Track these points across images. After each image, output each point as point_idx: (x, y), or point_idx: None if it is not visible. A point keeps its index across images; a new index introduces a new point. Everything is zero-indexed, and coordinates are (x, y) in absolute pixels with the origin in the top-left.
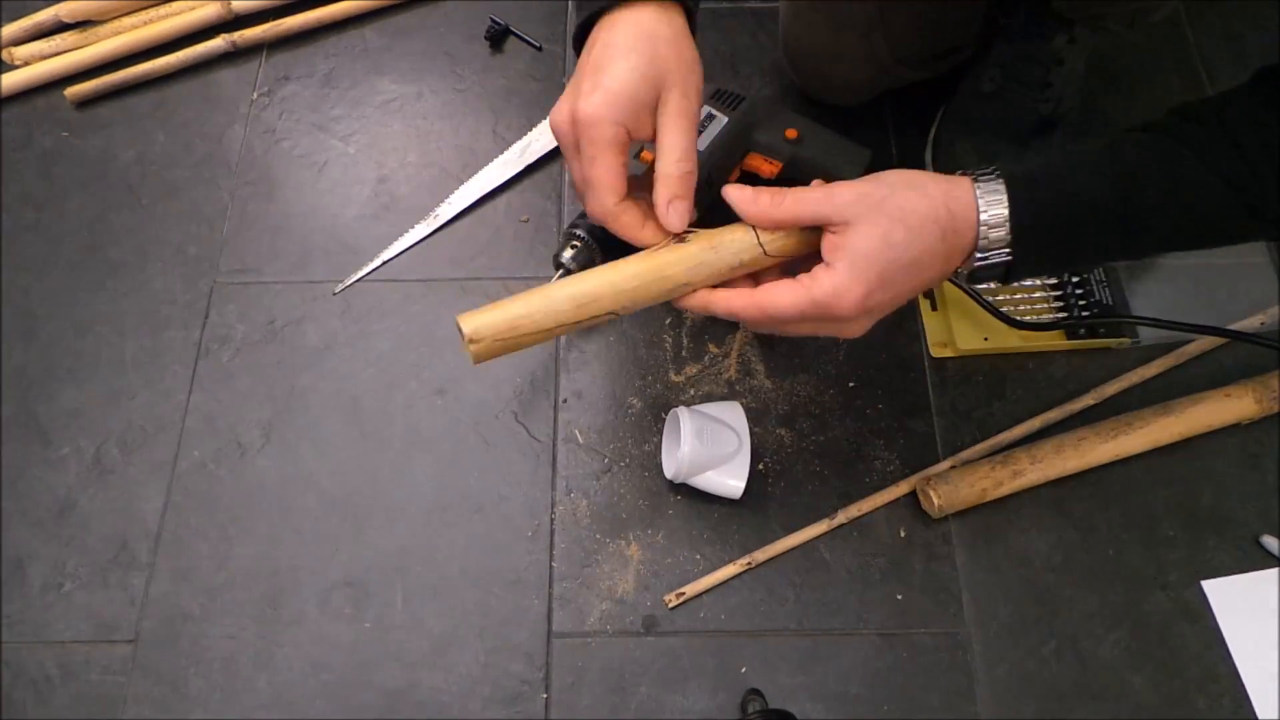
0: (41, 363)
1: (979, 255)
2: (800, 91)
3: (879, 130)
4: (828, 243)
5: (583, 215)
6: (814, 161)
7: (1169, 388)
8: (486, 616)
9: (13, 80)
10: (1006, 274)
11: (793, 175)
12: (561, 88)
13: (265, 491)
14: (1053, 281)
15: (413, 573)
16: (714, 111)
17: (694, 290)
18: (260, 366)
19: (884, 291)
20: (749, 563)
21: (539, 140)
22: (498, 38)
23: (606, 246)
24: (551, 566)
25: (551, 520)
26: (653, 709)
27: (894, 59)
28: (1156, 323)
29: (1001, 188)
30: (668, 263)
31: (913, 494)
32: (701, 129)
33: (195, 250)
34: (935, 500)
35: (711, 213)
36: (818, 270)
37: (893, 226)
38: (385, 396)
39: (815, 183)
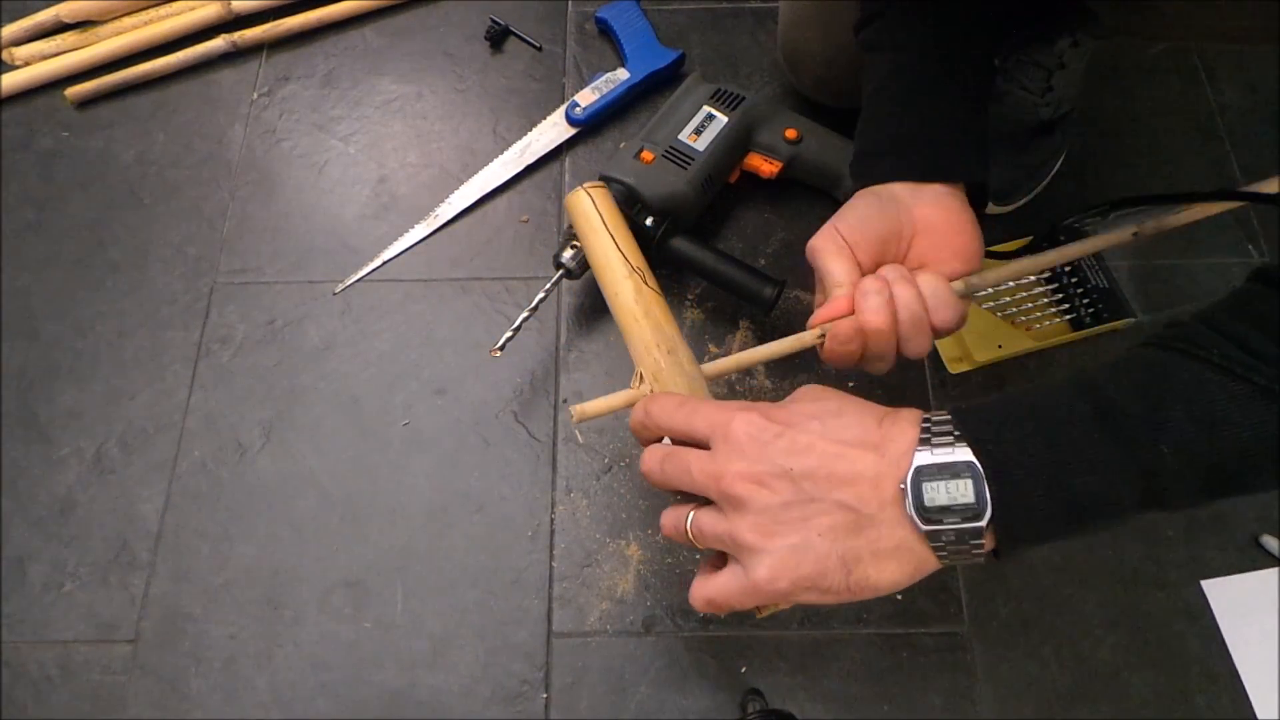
0: (41, 363)
1: (920, 446)
2: (800, 92)
3: None
4: None
5: None
6: (814, 161)
7: None
8: (486, 616)
9: (13, 80)
10: (983, 510)
11: (793, 175)
12: (561, 88)
13: (265, 491)
14: (1052, 281)
15: (413, 573)
16: (714, 111)
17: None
18: (260, 366)
19: (780, 420)
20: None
21: (539, 140)
22: (498, 38)
23: (631, 220)
24: (551, 566)
25: (551, 520)
26: (653, 709)
27: None
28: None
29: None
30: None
31: None
32: (701, 129)
33: (195, 250)
34: None
35: (711, 213)
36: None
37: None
38: (385, 396)
39: None
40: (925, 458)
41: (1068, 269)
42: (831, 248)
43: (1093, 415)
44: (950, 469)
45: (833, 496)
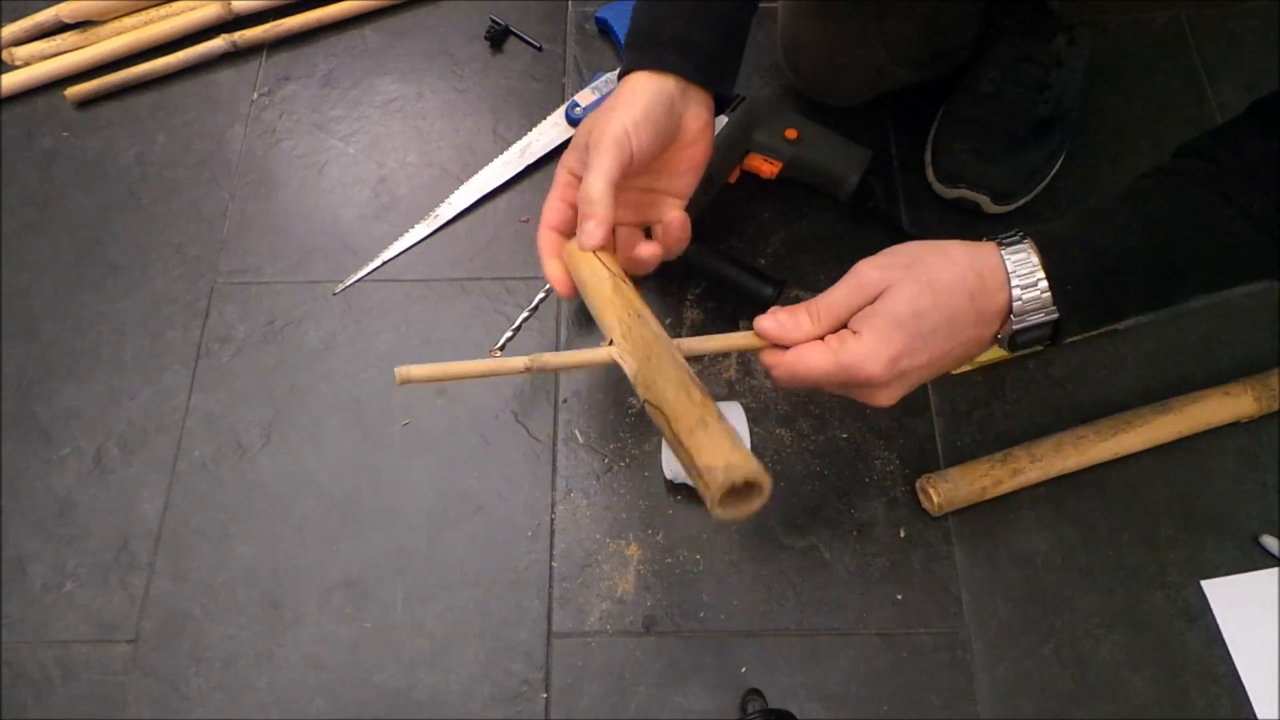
0: (41, 363)
1: (1015, 317)
2: (800, 92)
3: (879, 130)
4: (857, 316)
5: None
6: (814, 162)
7: (1168, 386)
8: (486, 616)
9: (13, 80)
10: (1054, 335)
11: (793, 175)
12: (562, 88)
13: (265, 491)
14: None
15: (413, 573)
16: None
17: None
18: (260, 366)
19: (912, 357)
20: (531, 364)
21: (539, 140)
22: (498, 38)
23: None
24: (551, 566)
25: (551, 520)
26: (653, 709)
27: (892, 61)
28: None
29: (1027, 249)
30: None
31: (912, 494)
32: None
33: (195, 250)
34: (935, 498)
35: (711, 213)
36: (846, 335)
37: (920, 291)
38: (385, 396)
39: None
40: (1020, 321)
41: None
42: (617, 151)
43: (1160, 278)
44: (1038, 328)
45: (946, 367)
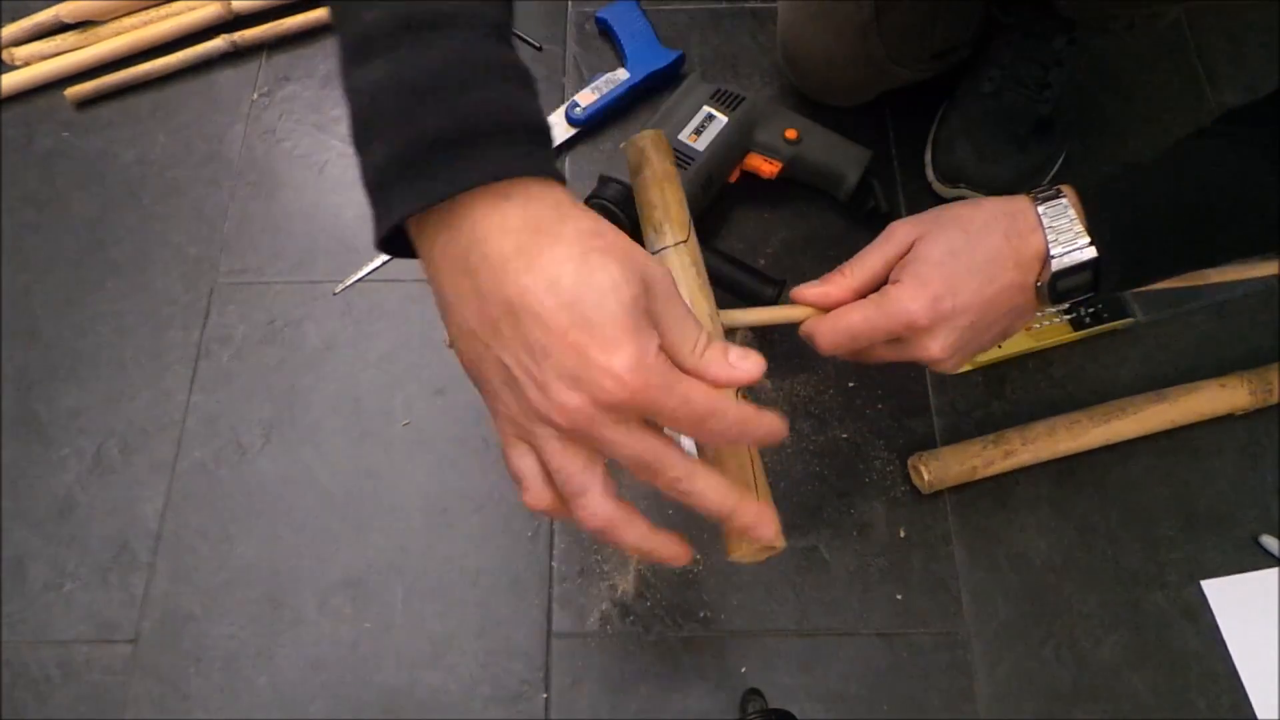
0: (41, 363)
1: (1054, 258)
2: (800, 91)
3: (879, 130)
4: (895, 268)
5: (595, 194)
6: (814, 161)
7: (1168, 376)
8: (486, 616)
9: (13, 80)
10: (1095, 281)
11: (793, 175)
12: (561, 88)
13: (265, 491)
14: None
15: (413, 573)
16: (714, 112)
17: None
18: (260, 366)
19: (954, 296)
20: None
21: None
22: None
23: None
24: (551, 566)
25: (551, 520)
26: (653, 709)
27: (891, 60)
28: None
29: (1062, 194)
30: None
31: (911, 493)
32: (701, 129)
33: (195, 250)
34: (925, 475)
35: (711, 213)
36: (886, 286)
37: (953, 233)
38: (385, 396)
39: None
40: (1058, 262)
41: None
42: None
43: (1197, 235)
44: (1078, 269)
45: (997, 323)
